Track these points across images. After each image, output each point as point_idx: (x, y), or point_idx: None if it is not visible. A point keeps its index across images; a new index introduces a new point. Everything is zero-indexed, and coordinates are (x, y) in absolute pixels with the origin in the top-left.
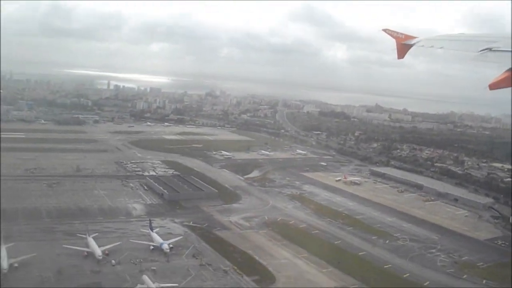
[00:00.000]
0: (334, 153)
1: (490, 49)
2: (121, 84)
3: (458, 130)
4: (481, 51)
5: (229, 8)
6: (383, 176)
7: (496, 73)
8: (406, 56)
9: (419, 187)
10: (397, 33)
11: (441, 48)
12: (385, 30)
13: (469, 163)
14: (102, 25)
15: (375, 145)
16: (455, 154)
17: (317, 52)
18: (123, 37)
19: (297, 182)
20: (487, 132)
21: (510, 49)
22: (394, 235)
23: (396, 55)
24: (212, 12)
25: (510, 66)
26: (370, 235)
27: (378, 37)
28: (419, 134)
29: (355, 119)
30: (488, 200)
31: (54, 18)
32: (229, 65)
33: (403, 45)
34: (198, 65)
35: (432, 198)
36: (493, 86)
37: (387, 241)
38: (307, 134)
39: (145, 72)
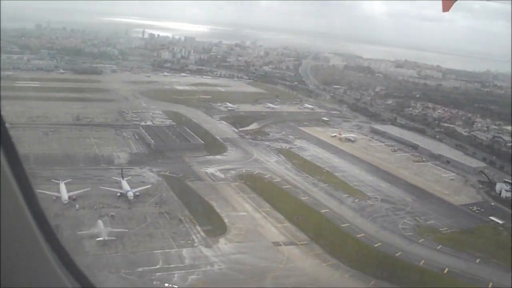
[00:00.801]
0: (344, 108)
1: None
2: (156, 33)
3: (485, 90)
4: None
5: None
6: (382, 134)
7: None
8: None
9: (414, 147)
10: None
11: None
12: None
13: (478, 125)
14: None
15: (390, 101)
16: (469, 115)
17: (358, 4)
18: None
19: (291, 136)
20: None
21: None
22: (367, 194)
23: (441, 7)
24: None
25: None
26: (342, 193)
27: None
28: (442, 92)
29: (380, 74)
30: (480, 164)
31: None
32: (270, 16)
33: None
34: (239, 14)
35: (424, 159)
36: None
37: (356, 200)
38: (326, 88)
39: (186, 21)
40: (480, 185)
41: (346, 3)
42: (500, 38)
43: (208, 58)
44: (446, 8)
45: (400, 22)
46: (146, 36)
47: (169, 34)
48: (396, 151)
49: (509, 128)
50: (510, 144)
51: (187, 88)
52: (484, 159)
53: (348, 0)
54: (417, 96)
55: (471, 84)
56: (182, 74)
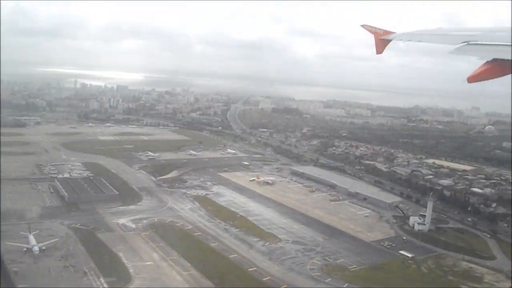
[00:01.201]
0: (268, 151)
1: (468, 43)
2: (88, 83)
3: (411, 124)
4: (459, 44)
5: (197, 6)
6: (301, 175)
7: (472, 67)
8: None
9: (332, 187)
10: (376, 28)
11: (419, 41)
12: (363, 26)
13: (399, 160)
14: (74, 24)
15: (315, 142)
16: (392, 150)
17: (288, 48)
18: (97, 34)
19: (209, 183)
20: (440, 127)
21: (488, 43)
22: (279, 237)
23: (375, 51)
24: (182, 10)
25: (487, 59)
26: (253, 238)
27: (349, 32)
28: (369, 129)
29: (308, 115)
30: (397, 199)
31: (25, 17)
32: (204, 62)
33: (382, 40)
34: (174, 62)
35: (341, 198)
36: (472, 79)
37: (267, 244)
38: (252, 132)
39: (120, 69)
40: (394, 220)
41: (278, 47)
42: (427, 73)
43: (137, 107)
44: (379, 50)
45: (332, 62)
46: (78, 86)
47: (102, 83)
48: (313, 191)
49: (430, 161)
50: (428, 177)
51: (110, 138)
52: (401, 194)
53: (283, 43)
54: (344, 135)
55: (398, 120)
56: (108, 124)
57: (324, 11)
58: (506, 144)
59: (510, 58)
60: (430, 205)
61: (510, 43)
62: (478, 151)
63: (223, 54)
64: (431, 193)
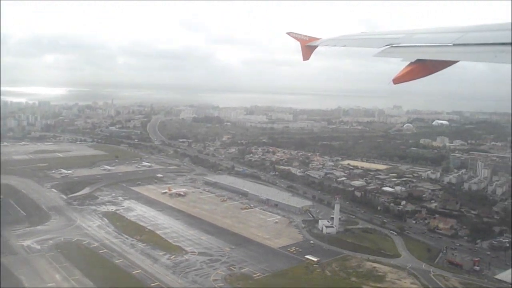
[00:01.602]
0: (185, 162)
1: (391, 45)
2: (9, 100)
3: (331, 127)
4: (383, 47)
5: (117, 17)
6: (215, 185)
7: (398, 67)
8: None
9: (244, 194)
10: (301, 35)
11: (344, 46)
12: (289, 33)
13: (315, 163)
14: None
15: (233, 150)
16: (309, 154)
17: (212, 55)
18: (18, 49)
19: (120, 198)
20: (359, 127)
21: (411, 44)
22: (186, 249)
23: (301, 57)
24: (102, 22)
25: (411, 61)
26: (159, 251)
27: (271, 38)
28: (288, 134)
29: (229, 123)
30: (307, 203)
31: None
32: (128, 73)
33: (308, 47)
34: (98, 74)
35: (252, 206)
36: (397, 80)
37: (172, 257)
38: (171, 143)
39: (43, 84)
40: (303, 225)
41: (202, 55)
42: (353, 75)
43: (56, 123)
44: (306, 57)
45: (257, 68)
46: None
47: (23, 100)
48: (225, 200)
49: (345, 162)
50: (341, 179)
51: (24, 157)
52: (313, 197)
53: (206, 51)
54: (263, 140)
55: (318, 122)
56: (23, 142)
57: (248, 17)
58: (423, 141)
59: (432, 58)
60: (337, 207)
61: (431, 44)
62: (394, 149)
63: (147, 65)
64: (337, 196)
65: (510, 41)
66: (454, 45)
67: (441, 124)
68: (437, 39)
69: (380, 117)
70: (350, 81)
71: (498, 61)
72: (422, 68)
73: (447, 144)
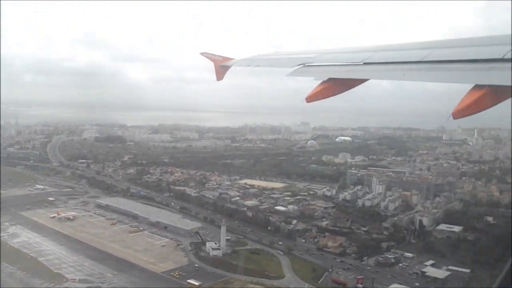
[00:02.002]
0: (82, 184)
1: (304, 65)
2: None
3: (235, 145)
4: (296, 67)
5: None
6: (106, 207)
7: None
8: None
9: (135, 217)
10: (215, 55)
11: (258, 66)
12: (203, 54)
13: (211, 183)
14: None
15: (131, 170)
16: (208, 174)
17: (123, 73)
18: None
19: (7, 223)
20: (263, 145)
21: (323, 64)
22: (66, 276)
23: (215, 77)
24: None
25: (323, 79)
26: (38, 279)
27: (186, 56)
28: (191, 153)
29: (131, 142)
30: (196, 225)
31: None
32: (35, 91)
33: (221, 67)
34: (5, 92)
35: (141, 229)
36: (310, 99)
37: (51, 285)
38: (70, 164)
39: None
40: (190, 247)
41: (108, 73)
42: (266, 93)
43: None
44: (220, 77)
45: (167, 86)
46: None
47: None
48: (115, 224)
49: (243, 182)
50: (235, 199)
51: None
52: (205, 219)
53: (113, 69)
54: (164, 160)
55: (222, 141)
56: None
57: (159, 36)
58: (325, 157)
59: (343, 77)
60: (223, 229)
61: (342, 63)
62: (294, 167)
63: (54, 82)
64: (224, 218)
65: (417, 59)
66: (364, 64)
67: (344, 140)
68: (348, 59)
69: (286, 134)
70: (261, 98)
71: (406, 79)
72: (334, 86)
73: (349, 160)
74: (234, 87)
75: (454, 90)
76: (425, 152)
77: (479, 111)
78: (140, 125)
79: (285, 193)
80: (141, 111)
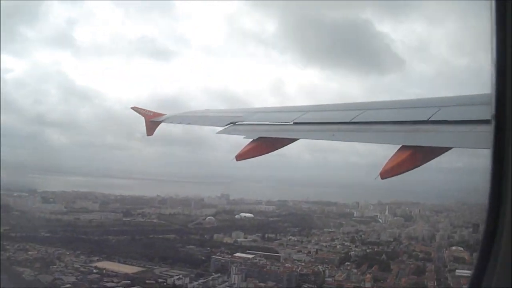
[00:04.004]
0: None
1: (234, 123)
2: None
3: (125, 219)
4: (226, 125)
5: None
6: None
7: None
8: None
9: None
10: (146, 110)
11: (189, 124)
12: (133, 108)
13: (61, 264)
14: None
15: None
16: (69, 252)
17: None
18: None
19: None
20: (155, 220)
21: (253, 123)
22: None
23: (146, 133)
24: None
25: (253, 138)
26: None
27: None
28: (72, 227)
29: (17, 212)
30: None
31: None
32: None
33: (152, 122)
34: None
35: None
36: (240, 157)
37: None
38: None
39: None
40: None
41: (25, 134)
42: (186, 158)
43: None
44: (150, 132)
45: (87, 151)
46: None
47: None
48: None
49: (94, 264)
50: (64, 287)
51: None
52: None
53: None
54: (30, 235)
55: (116, 213)
56: None
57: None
58: (216, 236)
59: (273, 136)
60: None
61: (273, 123)
62: (168, 248)
63: None
64: None
65: (348, 120)
66: (294, 123)
67: (245, 217)
68: (278, 118)
69: (196, 207)
70: (191, 166)
71: (336, 139)
72: (264, 145)
73: (239, 240)
74: (163, 155)
75: (377, 161)
76: (330, 230)
77: (405, 171)
78: (53, 191)
79: (125, 281)
80: (62, 175)
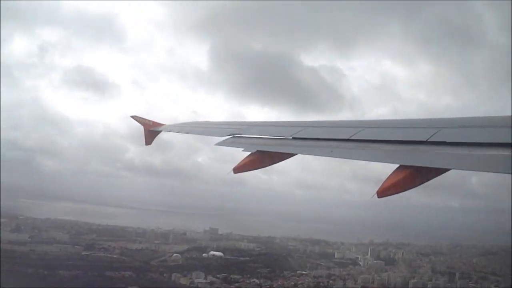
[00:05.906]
0: None
1: (233, 135)
2: None
3: (85, 253)
4: (225, 137)
5: None
6: None
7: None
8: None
9: None
10: (145, 119)
11: (187, 133)
12: (133, 117)
13: None
14: None
15: None
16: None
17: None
18: None
19: None
20: (115, 256)
21: (253, 136)
22: None
23: (144, 142)
24: None
25: (252, 151)
26: None
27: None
28: (24, 259)
29: None
30: None
31: None
32: None
33: (151, 132)
34: None
35: None
36: (237, 170)
37: None
38: None
39: None
40: None
41: (22, 159)
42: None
43: None
44: (148, 142)
45: (89, 178)
46: None
47: None
48: None
49: None
50: None
51: None
52: None
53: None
54: None
55: (79, 246)
56: None
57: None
58: (174, 276)
59: (271, 150)
60: None
61: (271, 136)
62: None
63: None
64: None
65: (347, 137)
66: (293, 138)
67: (213, 255)
68: (277, 132)
69: (174, 241)
70: (183, 196)
71: (334, 155)
72: (263, 159)
73: (197, 281)
74: (159, 185)
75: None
76: (302, 273)
77: (402, 191)
78: (36, 217)
79: None
80: (55, 201)
